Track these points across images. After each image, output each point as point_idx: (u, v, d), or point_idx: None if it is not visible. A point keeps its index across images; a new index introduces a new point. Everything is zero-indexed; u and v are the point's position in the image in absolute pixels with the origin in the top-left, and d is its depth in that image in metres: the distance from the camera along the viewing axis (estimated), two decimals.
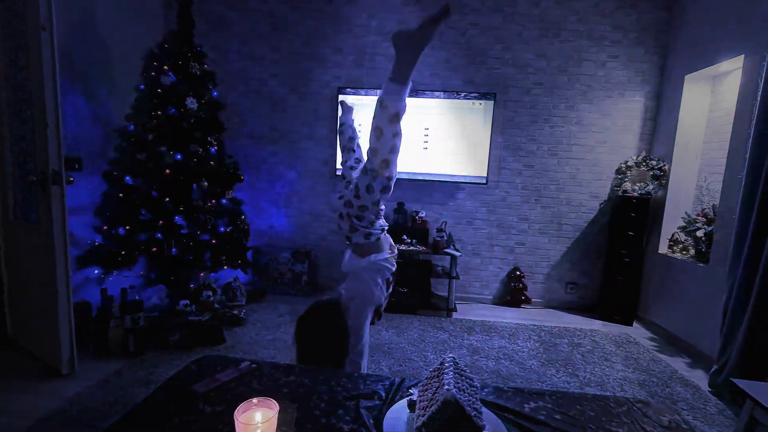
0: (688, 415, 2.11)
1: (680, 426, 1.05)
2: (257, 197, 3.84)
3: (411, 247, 3.45)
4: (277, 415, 0.84)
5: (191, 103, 2.72)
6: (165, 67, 2.69)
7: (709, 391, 2.36)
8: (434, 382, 0.90)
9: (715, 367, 2.36)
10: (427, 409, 0.82)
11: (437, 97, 3.51)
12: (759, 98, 2.26)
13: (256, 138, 3.76)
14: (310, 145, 3.75)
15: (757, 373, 2.12)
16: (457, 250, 3.46)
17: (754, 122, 2.27)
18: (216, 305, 3.07)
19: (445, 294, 3.52)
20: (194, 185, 2.82)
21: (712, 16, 2.92)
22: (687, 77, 3.10)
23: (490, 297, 3.84)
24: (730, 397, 2.25)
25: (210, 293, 3.03)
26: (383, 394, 1.09)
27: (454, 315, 3.41)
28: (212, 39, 3.57)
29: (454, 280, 3.45)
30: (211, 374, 1.11)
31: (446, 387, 0.81)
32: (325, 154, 3.74)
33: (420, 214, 3.65)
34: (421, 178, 3.63)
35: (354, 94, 3.55)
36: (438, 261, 3.70)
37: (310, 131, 3.73)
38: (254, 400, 0.86)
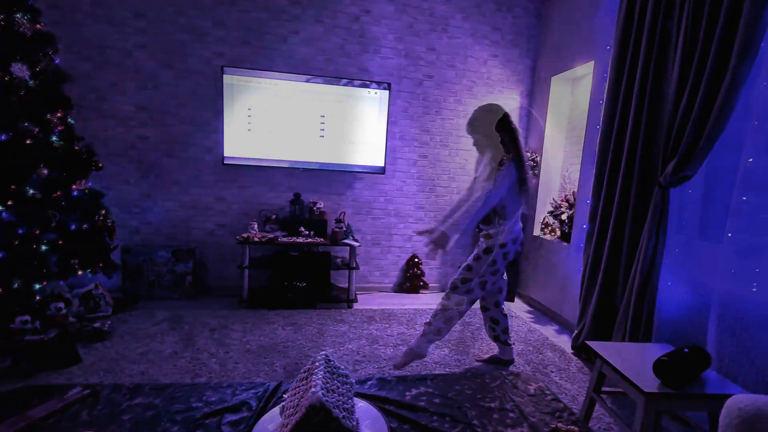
0: (555, 376, 2.38)
1: (544, 392, 1.13)
2: (125, 188, 3.28)
3: (309, 239, 3.31)
4: None
5: (19, 70, 2.17)
6: None
7: (571, 353, 2.71)
8: (303, 384, 0.81)
9: (575, 331, 2.72)
10: (292, 417, 0.72)
11: (332, 83, 3.40)
12: (604, 100, 2.63)
13: (121, 119, 3.20)
14: (191, 129, 3.32)
15: (604, 335, 2.49)
16: (356, 241, 3.42)
17: (601, 121, 2.65)
18: (71, 318, 2.56)
19: (346, 285, 3.47)
20: (33, 174, 2.28)
21: (569, 25, 3.33)
22: (552, 78, 3.51)
23: (391, 285, 3.91)
24: (586, 356, 2.62)
25: (61, 305, 2.51)
26: (254, 404, 0.96)
27: (355, 306, 3.38)
28: None
29: (354, 271, 3.41)
30: (19, 412, 0.86)
31: (312, 390, 0.72)
32: (208, 141, 3.35)
33: (318, 205, 3.52)
34: (318, 167, 3.50)
35: (245, 75, 3.23)
36: (338, 252, 3.63)
37: (189, 114, 3.30)
38: None
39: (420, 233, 2.41)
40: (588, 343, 1.77)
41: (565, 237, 3.28)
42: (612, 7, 2.66)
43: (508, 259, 2.21)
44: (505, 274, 2.37)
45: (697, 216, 2.07)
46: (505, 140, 2.10)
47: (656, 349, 1.66)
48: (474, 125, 2.18)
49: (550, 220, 3.51)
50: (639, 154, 2.32)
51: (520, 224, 2.24)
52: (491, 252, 2.16)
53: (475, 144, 2.25)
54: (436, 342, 2.34)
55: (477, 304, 2.43)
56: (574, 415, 1.02)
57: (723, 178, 1.98)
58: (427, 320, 2.26)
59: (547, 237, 3.50)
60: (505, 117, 2.13)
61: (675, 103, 2.06)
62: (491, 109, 2.16)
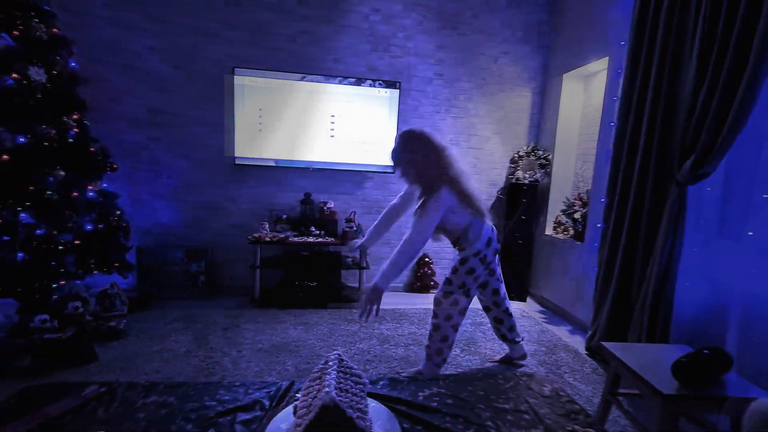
0: (569, 377, 2.35)
1: (558, 393, 1.11)
2: (138, 189, 3.33)
3: (320, 239, 3.32)
4: None
5: (36, 73, 2.22)
6: None
7: (585, 353, 2.67)
8: (316, 384, 0.81)
9: (589, 332, 2.68)
10: (305, 417, 0.72)
11: (342, 83, 3.40)
12: (619, 97, 2.58)
13: (133, 121, 3.24)
14: (202, 131, 3.35)
15: (620, 336, 2.44)
16: None
17: (615, 118, 2.59)
18: (88, 317, 2.60)
19: (357, 285, 3.47)
20: (50, 176, 2.33)
21: (583, 21, 3.27)
22: (565, 75, 3.45)
23: (401, 285, 3.90)
24: (600, 357, 2.57)
25: (78, 304, 2.55)
26: (267, 403, 0.97)
27: None
28: None
29: (365, 271, 3.41)
30: (36, 409, 0.87)
31: (326, 390, 0.72)
32: (220, 142, 3.38)
33: (328, 205, 3.53)
34: (328, 167, 3.51)
35: (256, 75, 3.26)
36: (348, 252, 3.63)
37: (200, 115, 3.33)
38: None
39: (346, 244, 2.28)
40: (603, 344, 1.73)
41: (579, 236, 3.23)
42: (627, 0, 2.61)
43: (487, 261, 2.15)
44: (499, 273, 2.31)
45: (716, 214, 2.01)
46: (432, 163, 1.97)
47: (674, 351, 1.62)
48: (397, 154, 2.03)
49: (563, 218, 3.46)
50: (655, 151, 2.27)
51: (488, 224, 2.15)
52: (467, 262, 2.10)
53: (402, 175, 2.08)
54: (444, 364, 2.23)
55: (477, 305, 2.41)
56: (589, 417, 1.00)
57: (743, 175, 1.92)
58: (426, 344, 2.20)
59: (560, 236, 3.44)
60: (429, 139, 2.00)
61: (692, 99, 2.00)
62: (412, 135, 2.02)
